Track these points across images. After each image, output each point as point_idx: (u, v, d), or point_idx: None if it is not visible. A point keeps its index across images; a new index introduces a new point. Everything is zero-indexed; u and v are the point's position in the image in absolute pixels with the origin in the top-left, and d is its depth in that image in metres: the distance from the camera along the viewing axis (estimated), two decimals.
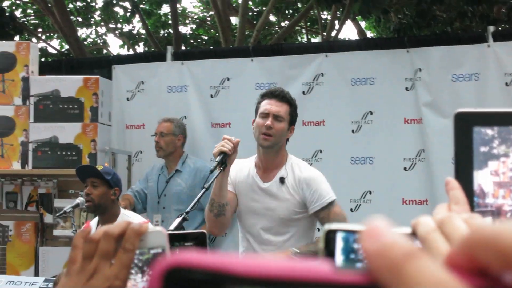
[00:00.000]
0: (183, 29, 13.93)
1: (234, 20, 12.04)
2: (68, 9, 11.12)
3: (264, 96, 3.43)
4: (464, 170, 0.71)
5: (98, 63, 6.50)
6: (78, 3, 13.42)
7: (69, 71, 6.09)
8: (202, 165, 5.04)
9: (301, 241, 3.39)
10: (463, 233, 0.53)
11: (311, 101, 5.30)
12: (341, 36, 12.69)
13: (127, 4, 12.08)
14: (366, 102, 5.19)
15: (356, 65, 5.27)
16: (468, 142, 0.70)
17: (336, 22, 11.58)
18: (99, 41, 14.76)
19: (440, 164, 4.81)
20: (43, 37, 13.87)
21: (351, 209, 5.02)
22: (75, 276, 0.87)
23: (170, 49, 5.91)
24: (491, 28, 5.13)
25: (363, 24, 13.73)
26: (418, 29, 9.54)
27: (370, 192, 5.12)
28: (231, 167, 3.25)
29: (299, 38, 14.78)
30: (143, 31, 13.09)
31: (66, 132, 5.25)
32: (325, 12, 12.55)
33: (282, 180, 3.37)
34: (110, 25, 13.72)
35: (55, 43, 14.64)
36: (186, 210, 2.95)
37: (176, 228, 2.77)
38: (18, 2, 13.21)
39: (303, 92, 5.34)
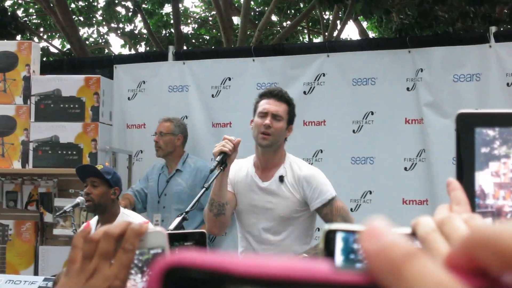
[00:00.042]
0: (185, 29, 13.94)
1: (236, 20, 12.04)
2: (70, 9, 11.13)
3: (263, 95, 3.45)
4: (466, 171, 0.71)
5: (100, 63, 6.50)
6: (80, 3, 13.43)
7: (71, 70, 6.09)
8: (202, 164, 5.04)
9: (299, 240, 3.40)
10: (463, 234, 0.53)
11: (312, 101, 5.30)
12: (343, 36, 12.69)
13: (129, 4, 12.09)
14: (367, 102, 5.20)
15: (358, 65, 5.27)
16: (470, 143, 0.70)
17: (338, 22, 11.58)
18: (100, 41, 14.77)
19: (441, 164, 4.81)
20: (45, 36, 13.87)
21: (351, 209, 5.02)
22: (75, 276, 0.87)
23: (171, 49, 5.91)
24: (493, 29, 5.12)
25: (365, 24, 13.74)
26: (420, 30, 9.52)
27: (370, 192, 5.12)
28: (230, 167, 3.26)
29: (300, 38, 14.78)
30: (144, 31, 13.09)
31: (67, 132, 5.25)
32: (327, 12, 12.55)
33: (281, 178, 3.38)
34: (112, 25, 13.73)
35: (57, 42, 14.66)
36: (186, 210, 2.95)
37: (176, 228, 2.78)
38: (20, 1, 13.22)
39: (304, 92, 5.34)
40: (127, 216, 4.10)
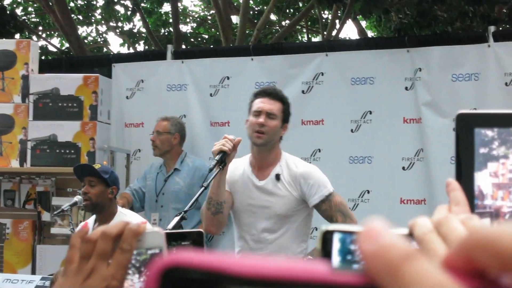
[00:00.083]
0: (184, 28, 13.94)
1: (234, 19, 12.04)
2: (69, 8, 11.12)
3: (257, 95, 3.45)
4: (465, 172, 0.70)
5: (98, 62, 6.50)
6: (79, 1, 13.43)
7: (69, 69, 6.09)
8: (200, 164, 5.04)
9: (295, 239, 3.40)
10: (460, 234, 0.53)
11: (311, 100, 5.30)
12: (342, 35, 12.70)
13: (128, 3, 12.09)
14: (365, 102, 5.20)
15: (356, 64, 5.27)
16: (470, 144, 0.70)
17: (337, 21, 11.58)
18: (99, 40, 14.76)
19: (439, 164, 4.81)
20: (44, 35, 13.87)
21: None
22: (72, 276, 0.87)
23: (170, 48, 5.91)
24: (492, 28, 5.13)
25: (363, 23, 13.73)
26: (419, 29, 9.53)
27: (368, 192, 5.12)
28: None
29: (299, 37, 14.78)
30: (143, 30, 13.09)
31: (65, 130, 5.25)
32: (325, 12, 12.56)
33: (277, 177, 3.38)
34: (111, 24, 13.72)
35: (56, 41, 14.65)
36: (185, 209, 2.95)
37: (175, 227, 2.77)
38: (19, 0, 13.20)
39: (303, 91, 5.34)
40: (125, 215, 4.09)
